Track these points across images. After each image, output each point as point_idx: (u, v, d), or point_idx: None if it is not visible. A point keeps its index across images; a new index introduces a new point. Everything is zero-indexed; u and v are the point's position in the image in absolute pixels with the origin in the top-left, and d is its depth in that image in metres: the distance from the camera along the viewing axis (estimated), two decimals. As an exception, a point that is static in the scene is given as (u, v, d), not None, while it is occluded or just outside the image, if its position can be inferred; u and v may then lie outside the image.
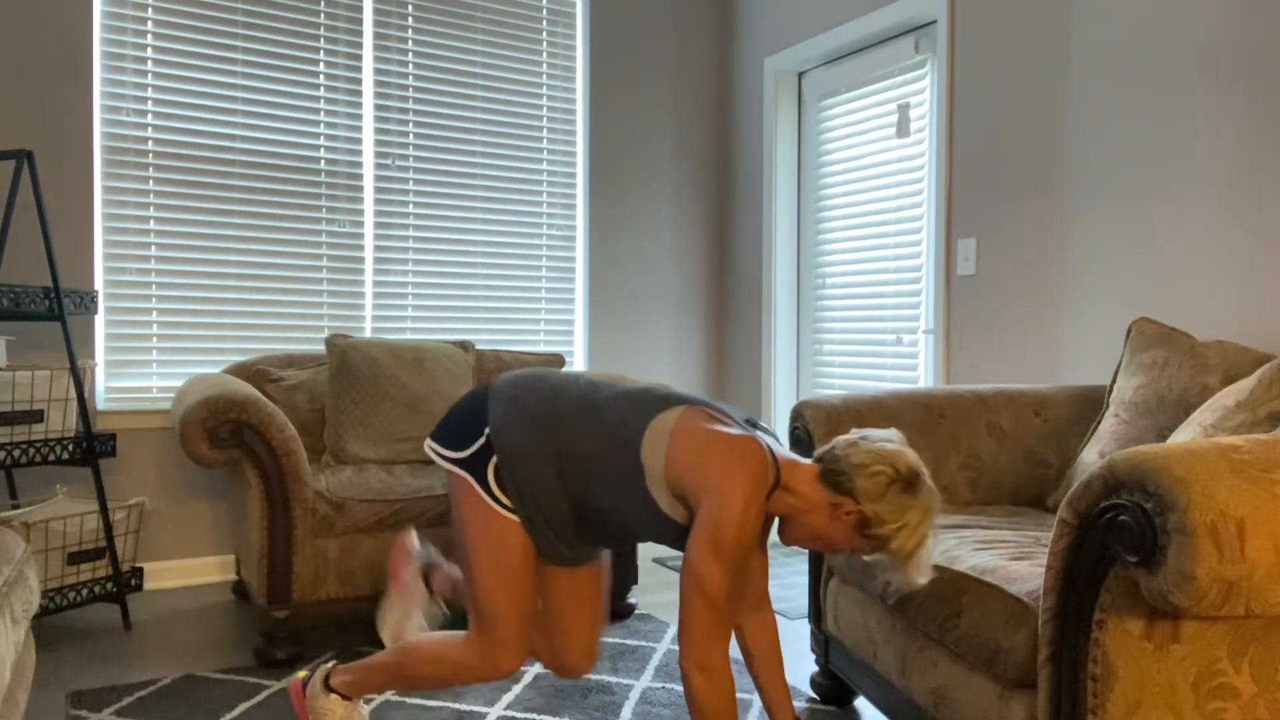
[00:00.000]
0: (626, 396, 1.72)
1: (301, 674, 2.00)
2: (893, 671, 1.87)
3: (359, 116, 3.61)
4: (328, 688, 1.92)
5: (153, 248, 3.29)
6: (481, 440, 1.73)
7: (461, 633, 1.81)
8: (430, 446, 1.80)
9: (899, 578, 1.64)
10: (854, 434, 1.68)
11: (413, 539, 2.14)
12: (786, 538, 1.71)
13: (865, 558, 1.94)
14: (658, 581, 3.43)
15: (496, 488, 1.72)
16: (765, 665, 1.82)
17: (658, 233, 4.26)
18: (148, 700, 2.26)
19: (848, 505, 1.62)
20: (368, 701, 2.24)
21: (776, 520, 1.75)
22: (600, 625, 1.93)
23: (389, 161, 3.67)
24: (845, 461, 1.63)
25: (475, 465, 1.73)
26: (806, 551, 2.37)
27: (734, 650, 2.61)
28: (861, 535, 1.63)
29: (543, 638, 1.91)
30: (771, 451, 1.64)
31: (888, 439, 1.65)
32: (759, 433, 1.70)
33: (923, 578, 1.62)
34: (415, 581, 2.08)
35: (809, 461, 1.69)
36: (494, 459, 1.72)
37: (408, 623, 2.08)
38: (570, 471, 1.69)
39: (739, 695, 2.30)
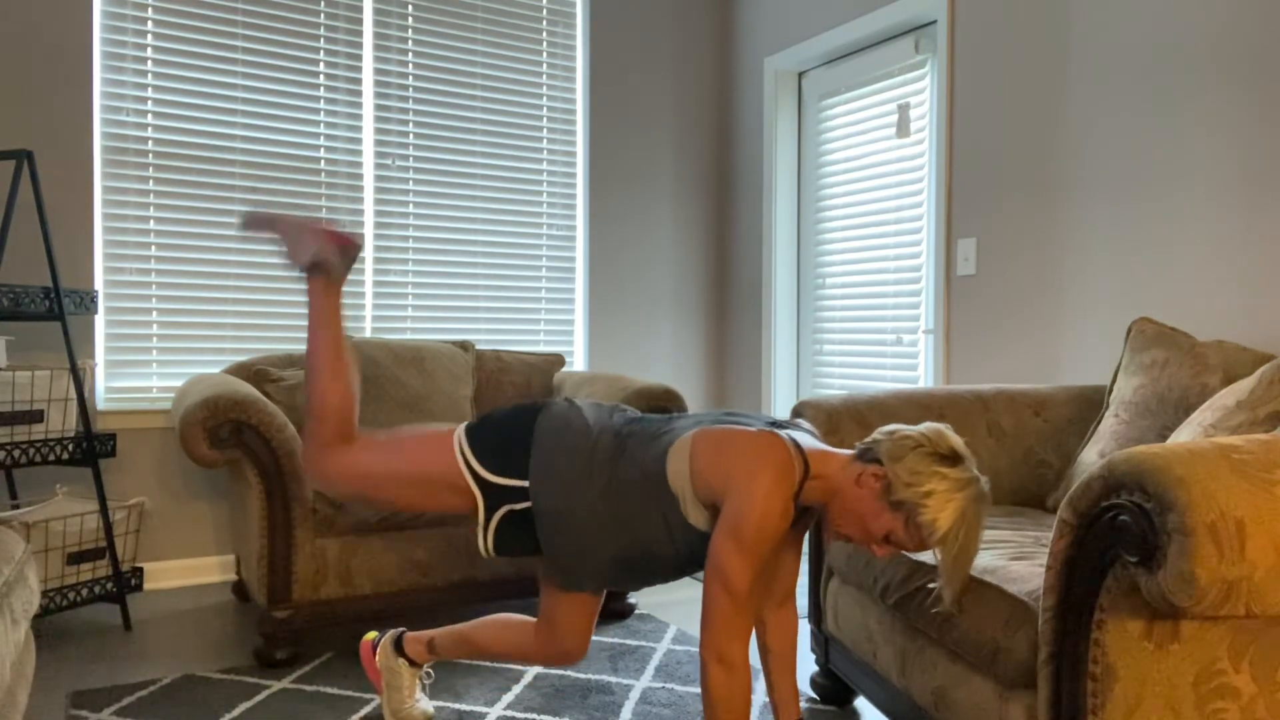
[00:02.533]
0: (650, 436, 1.73)
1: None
2: (893, 671, 1.87)
3: (359, 116, 3.61)
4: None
5: (153, 248, 3.29)
6: (514, 483, 1.74)
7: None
8: (459, 439, 1.79)
9: (940, 583, 1.55)
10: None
11: (370, 635, 2.17)
12: (826, 531, 1.67)
13: (912, 554, 1.83)
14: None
15: (494, 532, 1.76)
16: (779, 663, 1.82)
17: (658, 233, 4.26)
18: (148, 700, 2.26)
19: (871, 470, 1.57)
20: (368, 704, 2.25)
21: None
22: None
23: (389, 161, 3.67)
24: (880, 433, 1.61)
25: (495, 495, 1.75)
26: (809, 551, 2.37)
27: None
28: (888, 506, 1.55)
29: (546, 633, 1.92)
30: (796, 443, 1.61)
31: (935, 424, 1.61)
32: (787, 430, 1.68)
33: (956, 581, 1.52)
34: (393, 662, 2.09)
35: (848, 451, 1.67)
36: (520, 505, 1.74)
37: (404, 706, 2.09)
38: (619, 529, 1.70)
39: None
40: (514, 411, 1.82)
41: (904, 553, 1.83)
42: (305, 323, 3.54)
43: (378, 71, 3.64)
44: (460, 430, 1.82)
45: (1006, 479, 2.30)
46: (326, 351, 1.83)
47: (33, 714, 2.19)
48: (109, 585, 2.82)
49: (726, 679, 1.58)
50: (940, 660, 1.70)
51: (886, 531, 1.58)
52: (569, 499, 1.70)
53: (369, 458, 1.79)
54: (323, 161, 3.56)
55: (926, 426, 1.59)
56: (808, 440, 1.66)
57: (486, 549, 1.78)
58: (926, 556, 1.79)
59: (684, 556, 1.70)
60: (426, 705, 2.10)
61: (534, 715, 2.18)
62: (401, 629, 2.09)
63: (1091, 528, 1.27)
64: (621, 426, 1.78)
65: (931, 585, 1.68)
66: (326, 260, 1.87)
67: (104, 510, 2.78)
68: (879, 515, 1.57)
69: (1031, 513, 2.17)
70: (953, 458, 1.54)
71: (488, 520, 1.75)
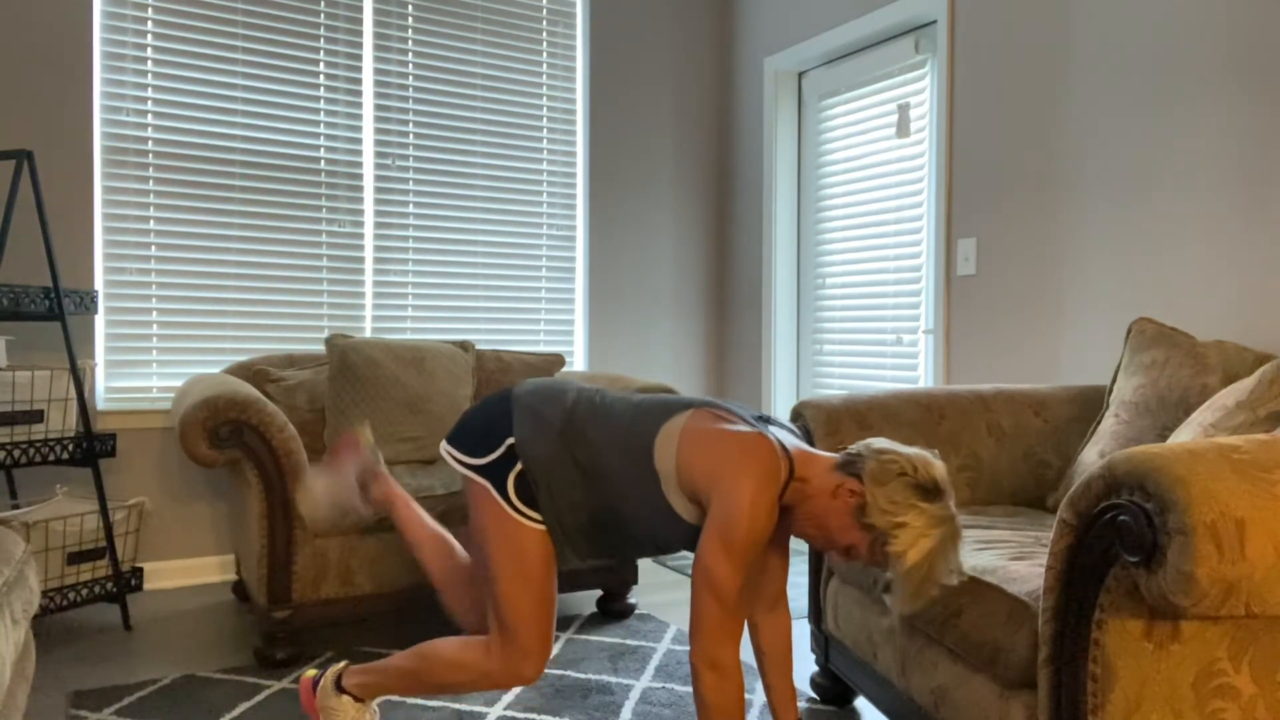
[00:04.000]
0: (639, 406, 1.73)
1: (311, 671, 1.99)
2: (893, 671, 1.87)
3: (359, 116, 3.61)
4: (340, 688, 1.91)
5: (153, 248, 3.29)
6: (502, 450, 1.73)
7: (480, 638, 1.79)
8: (447, 450, 1.80)
9: (892, 598, 1.55)
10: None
11: (368, 434, 2.10)
12: (792, 526, 1.66)
13: (863, 565, 1.88)
14: (657, 581, 3.43)
15: (516, 497, 1.72)
16: (774, 665, 1.82)
17: (658, 233, 4.26)
18: (148, 700, 2.26)
19: (851, 484, 1.56)
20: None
21: None
22: None
23: (389, 161, 3.67)
24: (866, 447, 1.60)
25: (495, 473, 1.73)
26: (808, 551, 2.37)
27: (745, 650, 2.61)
28: (859, 525, 1.55)
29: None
30: (783, 445, 1.61)
31: (923, 451, 1.60)
32: (772, 428, 1.68)
33: (908, 606, 1.52)
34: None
35: (832, 455, 1.66)
36: (515, 469, 1.72)
37: (323, 503, 2.02)
38: (593, 484, 1.71)
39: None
40: (484, 400, 1.84)
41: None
42: (304, 324, 3.54)
43: (378, 71, 3.64)
44: (443, 444, 1.83)
45: (1006, 479, 2.30)
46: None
47: (33, 714, 2.19)
48: (109, 585, 2.82)
49: (719, 684, 1.57)
50: (940, 660, 1.70)
51: (849, 545, 1.59)
52: (550, 446, 1.71)
53: (505, 610, 1.74)
54: (323, 161, 3.56)
55: (914, 453, 1.57)
56: (791, 440, 1.67)
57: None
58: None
59: (652, 531, 1.70)
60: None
61: (534, 715, 2.18)
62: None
63: (1091, 528, 1.27)
64: (601, 389, 1.81)
65: (885, 597, 1.69)
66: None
67: (104, 510, 2.78)
68: (847, 530, 1.58)
69: (1031, 513, 2.17)
70: (934, 491, 1.53)
71: (505, 496, 1.73)
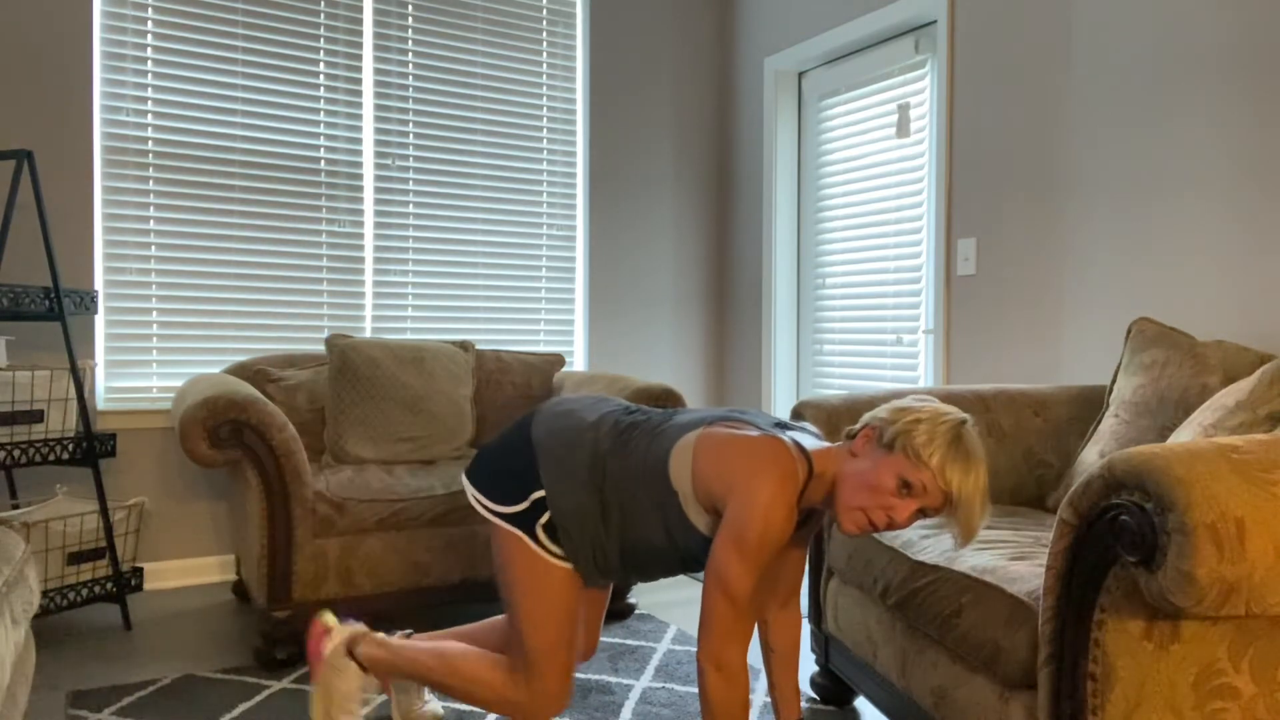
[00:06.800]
0: (656, 430, 1.72)
1: (329, 619, 1.99)
2: (893, 671, 1.87)
3: (359, 116, 3.61)
4: (350, 654, 1.93)
5: (153, 248, 3.29)
6: (529, 502, 1.72)
7: (504, 658, 1.80)
8: (475, 498, 1.78)
9: (957, 522, 1.54)
10: None
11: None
12: (841, 524, 1.61)
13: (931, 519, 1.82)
14: (657, 582, 3.43)
15: (547, 538, 1.72)
16: (781, 663, 1.82)
17: (658, 233, 4.26)
18: (148, 700, 2.26)
19: (862, 432, 1.60)
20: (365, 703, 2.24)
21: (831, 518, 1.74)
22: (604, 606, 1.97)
23: (389, 161, 3.67)
24: (853, 423, 1.64)
25: (525, 520, 1.73)
26: (808, 551, 2.36)
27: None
28: (886, 451, 1.54)
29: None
30: (800, 446, 1.61)
31: None
32: (790, 432, 1.68)
33: (978, 519, 1.51)
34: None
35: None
36: (544, 517, 1.72)
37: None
38: (621, 520, 1.70)
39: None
40: (503, 439, 1.81)
41: (922, 523, 1.85)
42: (304, 324, 3.54)
43: (378, 71, 3.64)
44: (464, 480, 1.83)
45: (1006, 479, 2.31)
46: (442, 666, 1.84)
47: (33, 714, 2.19)
48: (109, 585, 2.82)
49: (724, 685, 1.57)
50: (940, 660, 1.70)
51: (894, 477, 1.53)
52: (581, 495, 1.70)
53: (531, 645, 1.75)
54: (323, 161, 3.56)
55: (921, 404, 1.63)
56: (811, 441, 1.66)
57: (577, 569, 1.76)
58: (925, 555, 1.78)
59: (682, 551, 1.70)
60: (436, 706, 2.09)
61: (534, 715, 2.18)
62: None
63: (1091, 528, 1.27)
64: (622, 417, 1.78)
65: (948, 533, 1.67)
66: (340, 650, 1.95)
67: (104, 510, 2.78)
68: (879, 465, 1.54)
69: (1031, 513, 2.17)
70: (938, 412, 1.58)
71: (535, 539, 1.73)
